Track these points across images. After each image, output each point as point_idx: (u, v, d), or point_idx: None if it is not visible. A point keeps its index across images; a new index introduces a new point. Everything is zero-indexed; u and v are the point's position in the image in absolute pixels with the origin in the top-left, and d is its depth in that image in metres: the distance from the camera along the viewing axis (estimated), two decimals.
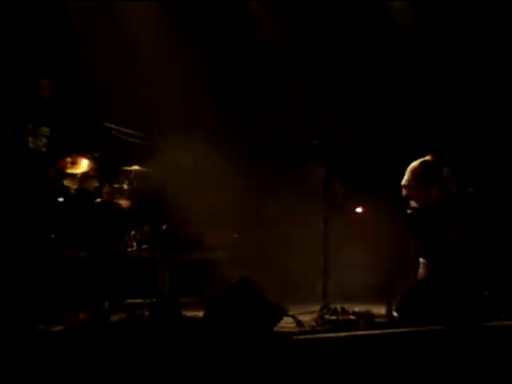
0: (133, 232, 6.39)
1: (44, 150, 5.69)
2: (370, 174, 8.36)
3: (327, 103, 8.19)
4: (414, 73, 8.37)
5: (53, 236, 5.46)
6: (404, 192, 6.39)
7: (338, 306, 5.06)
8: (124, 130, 5.89)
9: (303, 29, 8.13)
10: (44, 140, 5.72)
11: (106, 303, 5.44)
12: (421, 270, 6.05)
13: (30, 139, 5.63)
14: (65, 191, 5.74)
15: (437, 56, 8.34)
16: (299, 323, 4.67)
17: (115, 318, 4.80)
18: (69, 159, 5.68)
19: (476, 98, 8.22)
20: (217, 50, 7.91)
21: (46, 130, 5.74)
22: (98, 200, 5.84)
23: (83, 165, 5.78)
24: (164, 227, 6.49)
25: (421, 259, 6.14)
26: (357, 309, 5.12)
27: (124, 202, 6.13)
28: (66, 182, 5.77)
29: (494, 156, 7.96)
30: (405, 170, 6.57)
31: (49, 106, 5.75)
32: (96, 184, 5.86)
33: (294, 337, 4.26)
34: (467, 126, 8.04)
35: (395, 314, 4.98)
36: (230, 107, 7.87)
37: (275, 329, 4.39)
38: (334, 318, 4.88)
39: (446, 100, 8.26)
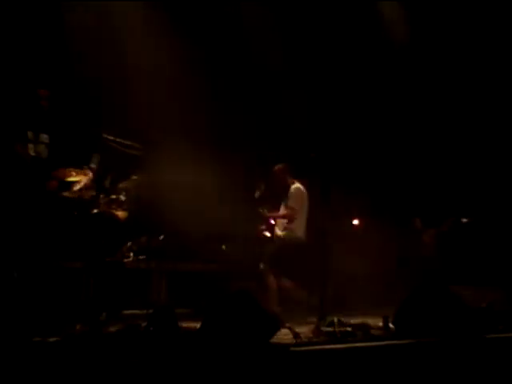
0: (129, 243, 6.40)
1: (44, 156, 5.72)
2: (368, 186, 8.41)
3: (326, 114, 8.26)
4: (411, 83, 8.43)
5: (53, 247, 5.46)
6: None
7: (335, 318, 5.05)
8: (121, 140, 5.90)
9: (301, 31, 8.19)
10: (43, 147, 5.74)
11: (103, 314, 5.43)
12: None
13: (31, 146, 5.66)
14: (63, 202, 5.75)
15: (433, 63, 8.41)
16: (296, 335, 4.67)
17: (112, 328, 4.79)
18: (68, 169, 5.69)
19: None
20: (214, 56, 7.96)
21: (45, 137, 5.76)
22: (95, 211, 5.84)
23: (81, 175, 5.79)
24: (161, 238, 6.50)
25: None
26: (353, 321, 5.13)
27: (121, 213, 6.13)
28: (64, 193, 5.77)
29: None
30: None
31: (47, 116, 5.78)
32: (93, 194, 5.87)
33: (291, 348, 4.26)
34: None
35: (392, 326, 4.98)
36: (227, 118, 7.90)
37: (272, 340, 4.39)
38: (330, 329, 4.88)
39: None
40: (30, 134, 5.69)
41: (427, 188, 8.24)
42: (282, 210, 7.00)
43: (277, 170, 7.00)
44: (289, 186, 6.94)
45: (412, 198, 8.29)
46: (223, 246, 7.55)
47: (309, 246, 6.68)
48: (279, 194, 7.02)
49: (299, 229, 6.85)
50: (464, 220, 7.54)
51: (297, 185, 6.94)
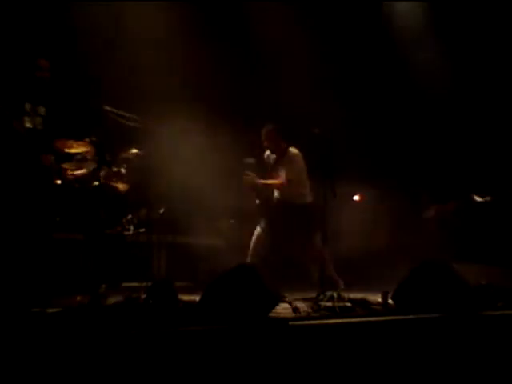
0: (130, 215, 6.39)
1: (40, 127, 5.68)
2: (371, 162, 8.38)
3: (328, 91, 8.19)
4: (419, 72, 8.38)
5: (55, 219, 5.45)
6: None
7: (335, 293, 5.06)
8: (122, 113, 5.86)
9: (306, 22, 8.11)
10: (39, 119, 5.70)
11: (103, 286, 5.44)
12: None
13: (27, 118, 5.62)
14: (61, 174, 5.73)
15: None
16: (295, 309, 4.68)
17: (111, 300, 4.80)
18: (68, 140, 5.67)
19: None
20: (217, 28, 7.89)
21: (42, 109, 5.73)
22: (96, 183, 5.82)
23: (81, 147, 5.77)
24: (161, 211, 6.48)
25: None
26: (353, 296, 5.14)
27: (121, 186, 6.12)
28: (63, 165, 5.75)
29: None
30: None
31: (47, 87, 5.73)
32: (94, 167, 5.84)
33: (290, 322, 4.26)
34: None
35: (391, 301, 4.99)
36: (229, 92, 7.84)
37: (271, 314, 4.39)
38: (330, 304, 4.89)
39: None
40: (27, 105, 5.65)
41: (436, 164, 8.22)
42: (279, 177, 6.41)
43: (270, 131, 6.45)
44: (283, 151, 6.44)
45: (420, 173, 8.27)
46: (231, 221, 7.52)
47: (310, 209, 6.39)
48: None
49: (298, 194, 6.39)
50: (478, 199, 7.50)
51: (294, 150, 6.44)
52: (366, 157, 8.35)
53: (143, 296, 4.56)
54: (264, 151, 6.66)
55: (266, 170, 6.57)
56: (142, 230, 6.40)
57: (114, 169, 6.12)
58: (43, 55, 5.84)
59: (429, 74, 8.28)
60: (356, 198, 8.66)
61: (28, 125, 5.61)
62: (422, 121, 8.54)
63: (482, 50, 8.23)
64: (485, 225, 7.51)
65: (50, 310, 4.28)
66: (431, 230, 7.67)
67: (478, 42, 8.19)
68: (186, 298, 4.77)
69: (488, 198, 7.54)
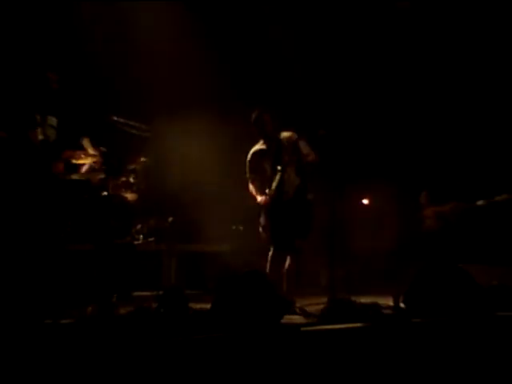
0: (139, 225, 6.41)
1: (53, 138, 5.71)
2: (376, 163, 8.36)
3: (334, 90, 8.19)
4: (422, 57, 8.36)
5: (63, 231, 5.47)
6: None
7: (345, 298, 5.04)
8: (130, 122, 5.88)
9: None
10: (52, 130, 5.73)
11: (114, 296, 5.45)
12: None
13: (39, 130, 5.64)
14: (72, 185, 5.75)
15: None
16: (307, 314, 4.68)
17: (123, 310, 4.81)
18: (76, 151, 5.69)
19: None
20: (221, 32, 7.91)
21: (53, 120, 5.75)
22: (105, 193, 5.84)
23: (89, 157, 5.79)
24: (170, 220, 6.50)
25: None
26: (364, 300, 5.12)
27: (130, 195, 6.14)
28: (73, 176, 5.78)
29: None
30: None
31: (56, 98, 5.76)
32: (102, 177, 5.87)
33: (301, 328, 4.26)
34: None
35: (402, 305, 4.97)
36: (235, 96, 7.84)
37: (283, 320, 4.39)
38: (340, 309, 4.87)
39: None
40: (38, 117, 5.68)
41: (439, 164, 8.20)
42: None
43: (268, 114, 5.75)
44: (277, 135, 5.78)
45: (422, 173, 8.24)
46: (240, 227, 7.51)
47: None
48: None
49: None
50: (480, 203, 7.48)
51: (289, 133, 5.85)
52: (365, 157, 8.34)
53: (154, 305, 4.57)
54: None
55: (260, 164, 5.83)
56: (152, 239, 6.42)
57: (123, 178, 6.14)
58: (51, 65, 5.86)
59: (429, 73, 8.30)
60: (365, 201, 8.65)
61: (40, 136, 5.64)
62: (421, 119, 8.51)
63: (482, 49, 8.20)
64: (487, 225, 7.49)
65: (63, 321, 4.29)
66: (432, 231, 7.64)
67: (481, 41, 8.16)
68: (196, 305, 4.77)
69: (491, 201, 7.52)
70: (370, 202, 8.65)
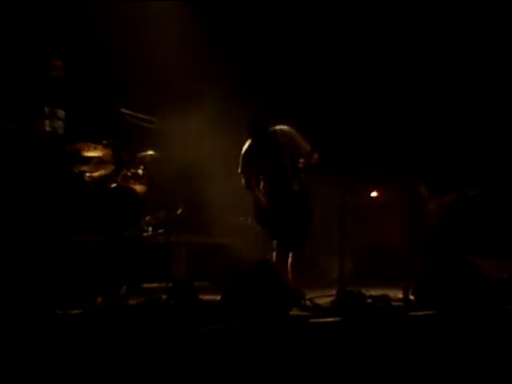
0: (148, 217, 6.42)
1: (61, 132, 5.72)
2: (385, 156, 8.34)
3: (337, 88, 8.18)
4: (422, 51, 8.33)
5: (74, 222, 5.48)
6: None
7: (354, 290, 5.04)
8: (139, 115, 5.88)
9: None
10: (60, 123, 5.73)
11: (123, 288, 5.47)
12: None
13: (47, 122, 5.64)
14: (80, 176, 5.77)
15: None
16: (316, 307, 4.68)
17: (132, 302, 4.83)
18: (85, 143, 5.69)
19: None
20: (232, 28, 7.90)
21: (61, 112, 5.75)
22: (114, 185, 5.85)
23: (98, 150, 5.80)
24: (179, 211, 6.51)
25: None
26: (373, 292, 5.11)
27: (139, 187, 6.14)
28: (82, 168, 5.79)
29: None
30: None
31: (63, 89, 5.75)
32: (111, 169, 5.87)
33: (310, 320, 4.26)
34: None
35: (412, 297, 4.96)
36: (243, 92, 7.84)
37: (292, 312, 4.39)
38: (350, 301, 4.86)
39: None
40: (46, 109, 5.68)
41: (439, 155, 8.15)
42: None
43: (262, 121, 5.75)
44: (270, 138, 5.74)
45: (422, 165, 8.20)
46: (250, 219, 7.52)
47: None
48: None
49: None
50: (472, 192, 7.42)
51: (284, 127, 5.83)
52: (374, 149, 8.33)
53: (164, 296, 4.58)
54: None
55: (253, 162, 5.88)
56: (161, 230, 6.42)
57: (132, 170, 6.14)
58: (59, 56, 5.85)
59: (427, 72, 8.27)
60: (374, 194, 8.64)
61: (48, 128, 5.63)
62: (419, 114, 8.49)
63: (482, 48, 8.16)
64: (495, 216, 7.43)
65: (73, 312, 4.32)
66: (435, 223, 7.59)
67: (481, 40, 8.12)
68: (206, 297, 4.78)
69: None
70: (379, 194, 8.63)
